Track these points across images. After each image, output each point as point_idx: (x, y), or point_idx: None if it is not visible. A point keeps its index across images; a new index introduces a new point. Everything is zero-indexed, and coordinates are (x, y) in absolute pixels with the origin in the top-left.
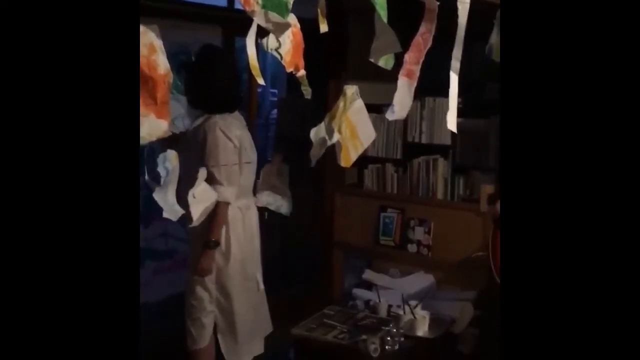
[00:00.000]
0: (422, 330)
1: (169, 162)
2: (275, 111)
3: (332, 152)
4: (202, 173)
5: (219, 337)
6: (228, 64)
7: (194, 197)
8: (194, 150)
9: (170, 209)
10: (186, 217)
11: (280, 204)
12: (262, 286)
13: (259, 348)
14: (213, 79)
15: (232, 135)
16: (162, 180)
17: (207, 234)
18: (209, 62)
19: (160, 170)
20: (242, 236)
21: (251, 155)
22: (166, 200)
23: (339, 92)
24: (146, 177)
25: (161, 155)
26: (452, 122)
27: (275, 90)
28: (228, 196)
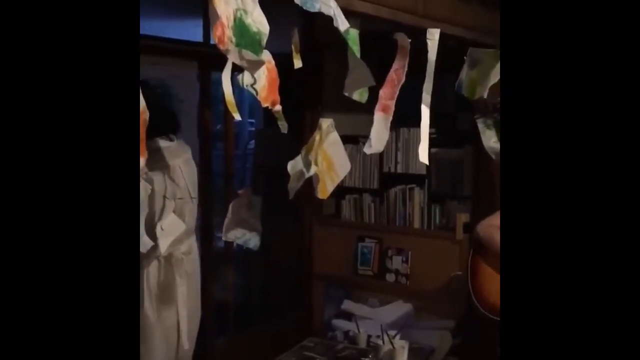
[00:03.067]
0: None
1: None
2: (252, 142)
3: (309, 183)
4: (170, 205)
5: None
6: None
7: (162, 229)
8: None
9: (140, 240)
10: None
11: (248, 237)
12: (186, 346)
13: None
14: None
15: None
16: None
17: None
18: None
19: None
20: (156, 286)
21: (182, 192)
22: None
23: (315, 124)
24: None
25: None
26: (424, 154)
27: (253, 120)
28: None
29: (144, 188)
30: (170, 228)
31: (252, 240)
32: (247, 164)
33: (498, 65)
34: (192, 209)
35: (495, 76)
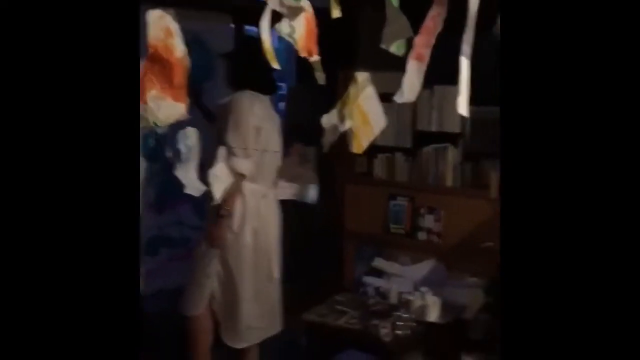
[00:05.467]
0: (433, 315)
1: (189, 138)
2: (282, 104)
3: (341, 142)
4: (222, 152)
5: (216, 311)
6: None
7: (216, 175)
8: (219, 126)
9: (192, 185)
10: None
11: (303, 193)
12: (276, 275)
13: (257, 337)
14: (248, 63)
15: (254, 112)
16: (182, 156)
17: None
18: (244, 48)
19: (181, 147)
20: (257, 222)
21: (274, 144)
22: (188, 176)
23: (350, 82)
24: (167, 154)
25: (181, 132)
26: (463, 106)
27: (283, 84)
28: (242, 167)
29: (194, 132)
30: (222, 175)
31: (309, 193)
32: None
33: None
34: (279, 158)
35: None
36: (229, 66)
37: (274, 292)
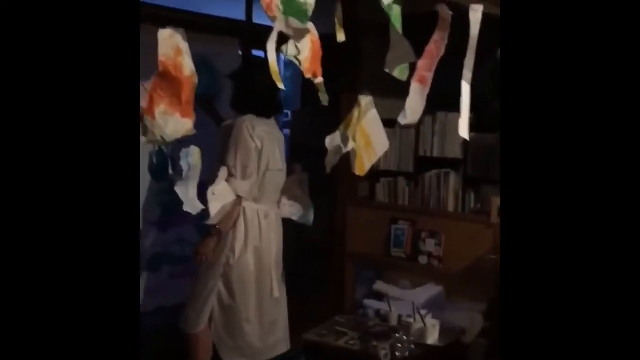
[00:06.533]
0: (432, 338)
1: (191, 156)
2: (287, 131)
3: (344, 165)
4: (223, 171)
5: (213, 330)
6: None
7: (213, 193)
8: (221, 147)
9: (190, 203)
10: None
11: (302, 213)
12: (276, 294)
13: (261, 356)
14: (252, 86)
15: (254, 134)
16: (183, 174)
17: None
18: (250, 70)
19: (183, 164)
20: (259, 240)
21: (278, 163)
22: (187, 194)
23: (353, 105)
24: (170, 171)
25: (183, 150)
26: (464, 129)
27: (288, 111)
28: (240, 189)
29: (197, 151)
30: (220, 194)
31: (307, 215)
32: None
33: None
34: (283, 176)
35: None
36: (234, 88)
37: (277, 310)
